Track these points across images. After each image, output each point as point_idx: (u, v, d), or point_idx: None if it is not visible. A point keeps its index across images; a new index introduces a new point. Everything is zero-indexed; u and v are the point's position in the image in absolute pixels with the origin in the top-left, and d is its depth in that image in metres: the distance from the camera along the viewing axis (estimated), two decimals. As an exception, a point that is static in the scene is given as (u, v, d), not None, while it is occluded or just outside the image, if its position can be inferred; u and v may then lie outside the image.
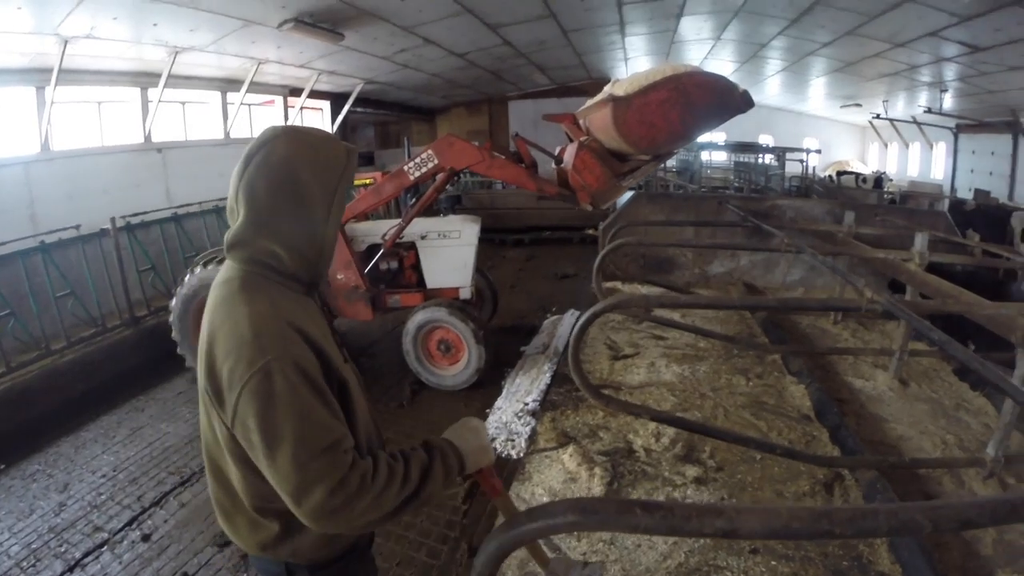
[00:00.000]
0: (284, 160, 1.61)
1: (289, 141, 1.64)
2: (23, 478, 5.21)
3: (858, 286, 4.20)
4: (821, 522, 1.33)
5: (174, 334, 6.65)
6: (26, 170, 9.78)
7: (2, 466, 5.40)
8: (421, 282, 6.88)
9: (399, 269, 6.98)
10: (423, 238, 6.70)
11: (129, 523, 4.55)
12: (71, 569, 4.05)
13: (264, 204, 1.61)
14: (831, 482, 4.09)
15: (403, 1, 10.70)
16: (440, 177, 6.11)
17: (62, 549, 4.27)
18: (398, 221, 6.47)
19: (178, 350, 6.72)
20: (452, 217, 7.16)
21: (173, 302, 6.62)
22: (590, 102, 5.40)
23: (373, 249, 6.73)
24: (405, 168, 5.98)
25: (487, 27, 13.18)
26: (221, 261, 6.06)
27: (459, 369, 6.39)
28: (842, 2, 10.93)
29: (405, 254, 6.89)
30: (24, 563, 4.14)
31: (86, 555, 4.19)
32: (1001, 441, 3.77)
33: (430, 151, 5.86)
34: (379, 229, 6.64)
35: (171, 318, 6.65)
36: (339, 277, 6.57)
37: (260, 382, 1.44)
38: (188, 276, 6.45)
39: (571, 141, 5.71)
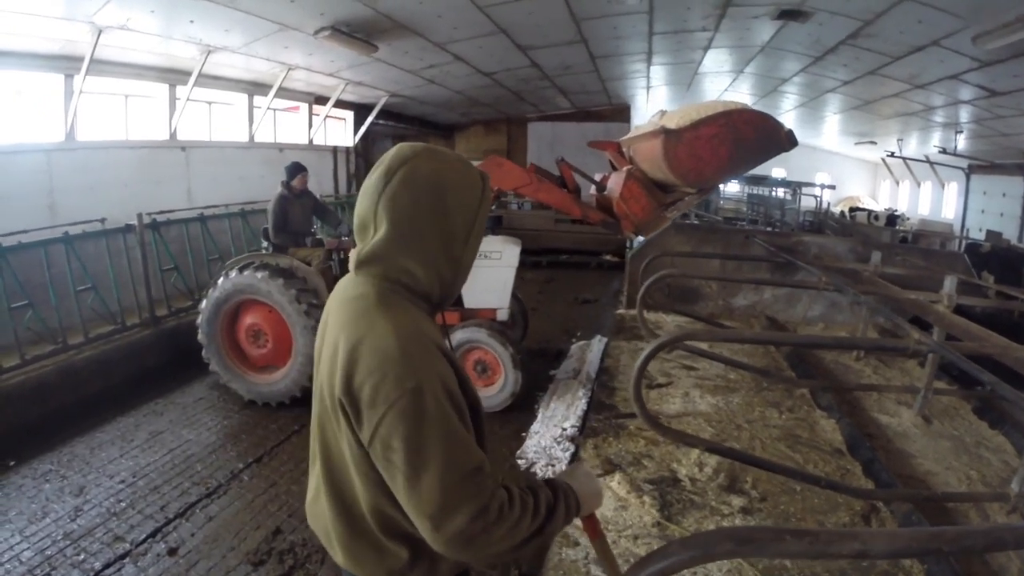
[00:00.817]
0: (429, 178, 1.57)
1: (433, 160, 1.61)
2: (35, 478, 5.03)
3: (903, 327, 4.37)
4: (933, 542, 1.52)
5: (200, 336, 6.61)
6: (48, 158, 9.71)
7: (12, 463, 5.22)
8: (458, 301, 6.79)
9: None
10: None
11: (152, 534, 4.36)
12: None
13: (408, 221, 1.57)
14: (868, 514, 4.24)
15: (440, 17, 10.82)
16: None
17: (80, 558, 4.07)
18: None
19: (203, 353, 6.67)
20: (493, 238, 7.07)
21: (203, 304, 6.62)
22: (637, 132, 5.46)
23: None
24: None
25: (518, 48, 13.33)
26: (261, 267, 6.17)
27: (494, 391, 6.39)
28: (867, 43, 11.12)
29: None
30: (38, 570, 3.95)
31: (106, 566, 3.99)
32: (1024, 476, 3.94)
33: None
34: None
35: (199, 320, 6.63)
36: None
37: (410, 402, 1.40)
38: (222, 279, 6.46)
39: (614, 169, 5.78)
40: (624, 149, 5.64)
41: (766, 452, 5.02)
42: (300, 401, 6.33)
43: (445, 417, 1.42)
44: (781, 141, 4.53)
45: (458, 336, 6.28)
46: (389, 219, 1.56)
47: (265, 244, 7.22)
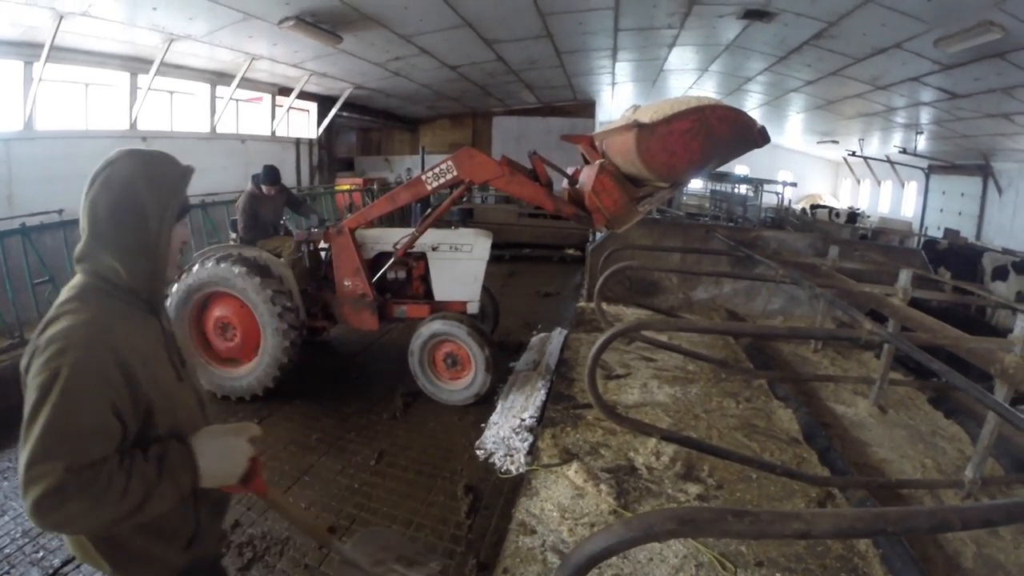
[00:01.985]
0: (125, 179, 1.71)
1: (131, 160, 1.75)
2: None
3: (855, 317, 4.43)
4: (878, 522, 1.53)
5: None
6: (7, 148, 9.65)
7: None
8: (428, 294, 6.84)
9: (407, 279, 6.87)
10: (434, 249, 6.60)
11: None
12: None
13: (104, 221, 1.70)
14: (824, 500, 4.28)
15: (406, 9, 10.82)
16: (457, 189, 6.12)
17: (39, 555, 3.98)
18: (410, 230, 6.46)
19: None
20: (464, 230, 7.03)
21: (173, 289, 6.35)
22: (610, 126, 5.45)
23: (380, 257, 6.68)
24: (423, 177, 5.97)
25: (484, 42, 13.36)
26: (237, 261, 6.05)
27: (461, 387, 6.34)
28: (831, 44, 11.32)
29: (414, 264, 6.79)
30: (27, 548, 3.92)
31: (65, 563, 3.87)
32: (979, 464, 4.04)
33: (449, 162, 5.86)
34: (388, 237, 6.60)
35: (167, 304, 6.35)
36: (346, 284, 6.54)
37: (47, 380, 1.54)
38: (196, 267, 6.27)
39: (586, 163, 5.78)
40: (597, 143, 5.63)
41: (723, 441, 5.05)
42: (259, 396, 6.29)
43: (64, 403, 1.52)
44: (754, 137, 4.55)
45: (436, 327, 6.19)
46: (89, 220, 1.71)
47: (233, 235, 7.09)
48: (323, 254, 7.06)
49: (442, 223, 6.82)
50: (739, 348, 7.65)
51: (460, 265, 6.59)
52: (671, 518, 1.46)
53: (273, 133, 16.97)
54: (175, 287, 6.34)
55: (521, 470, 4.82)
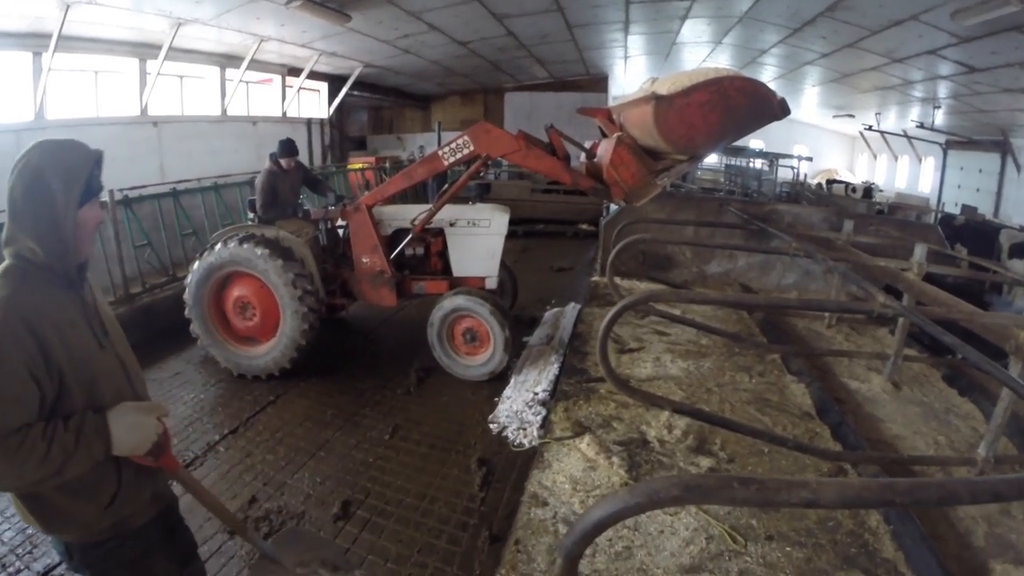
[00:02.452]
0: (36, 167, 1.88)
1: (40, 151, 1.92)
2: None
3: (869, 291, 4.41)
4: (885, 493, 1.54)
5: (186, 297, 6.47)
6: (18, 138, 9.59)
7: None
8: (446, 270, 6.85)
9: (425, 255, 6.89)
10: (452, 225, 6.61)
11: None
12: (69, 555, 3.81)
13: (20, 206, 1.87)
14: (835, 475, 4.30)
15: (414, -15, 10.77)
16: (474, 164, 6.09)
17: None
18: (427, 206, 6.45)
19: (186, 312, 6.53)
20: (482, 206, 7.04)
21: (194, 267, 6.39)
22: (627, 98, 5.39)
23: (398, 234, 6.67)
24: (439, 153, 5.95)
25: (493, 17, 13.23)
26: (259, 242, 6.05)
27: (477, 363, 6.36)
28: (845, 15, 11.14)
29: (432, 240, 6.80)
30: (20, 549, 3.87)
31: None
32: (992, 442, 4.01)
33: (466, 137, 5.83)
34: (405, 213, 6.60)
35: (187, 281, 6.46)
36: (364, 261, 6.54)
37: None
38: (217, 247, 6.28)
39: (604, 136, 5.73)
40: (614, 116, 5.59)
41: (735, 415, 5.07)
42: (275, 376, 6.37)
43: None
44: (773, 109, 4.51)
45: (459, 301, 6.16)
46: (8, 206, 1.87)
47: (251, 216, 7.07)
48: (340, 232, 7.05)
49: (459, 199, 6.78)
50: (753, 323, 7.65)
51: (478, 240, 6.58)
52: (676, 484, 1.48)
53: (284, 114, 16.96)
54: (195, 265, 6.37)
55: (534, 443, 4.84)
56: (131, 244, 8.14)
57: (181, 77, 13.77)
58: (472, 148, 5.84)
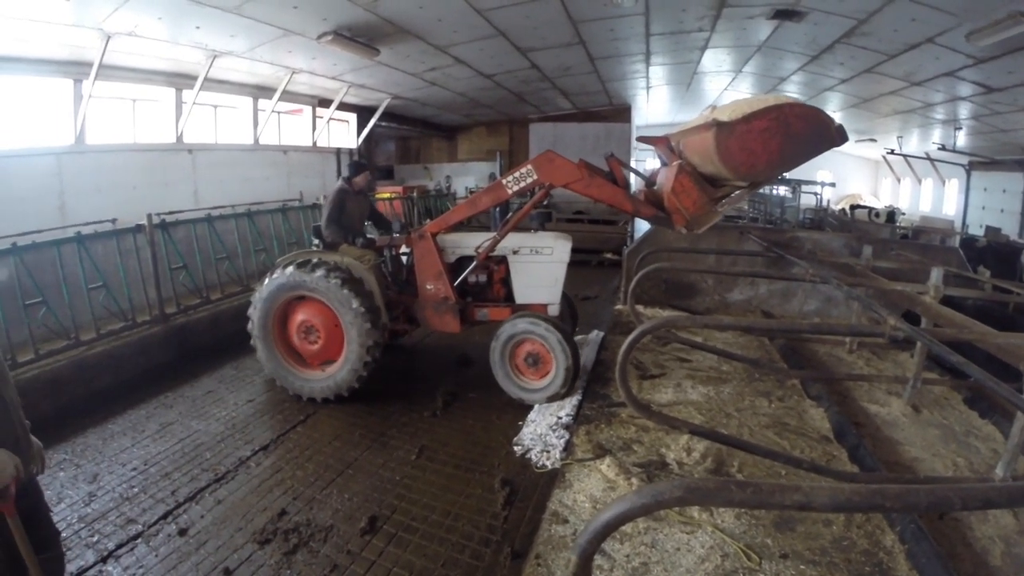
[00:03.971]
0: None
1: None
2: (49, 466, 5.05)
3: (882, 314, 4.49)
4: (875, 498, 1.67)
5: (251, 327, 6.64)
6: (59, 161, 10.05)
7: None
8: (509, 296, 6.89)
9: (488, 282, 6.94)
10: (515, 253, 6.65)
11: (163, 517, 4.49)
12: (104, 560, 3.99)
13: None
14: (851, 498, 4.37)
15: (440, 21, 11.04)
16: (538, 193, 6.21)
17: (94, 539, 4.22)
18: (491, 234, 6.55)
19: (251, 342, 6.71)
20: (544, 233, 7.13)
21: (262, 287, 6.55)
22: (686, 126, 5.46)
23: (462, 261, 6.76)
24: (503, 181, 6.07)
25: (517, 50, 13.53)
26: (323, 264, 6.27)
27: (537, 386, 6.35)
28: (862, 41, 11.26)
29: (495, 268, 6.84)
30: None
31: (119, 546, 4.13)
32: (1009, 463, 4.07)
33: (529, 166, 5.95)
34: (468, 241, 6.72)
35: (251, 312, 6.64)
36: (428, 288, 6.67)
37: None
38: (281, 271, 6.42)
39: (663, 164, 5.83)
40: (673, 143, 5.64)
41: (753, 439, 5.16)
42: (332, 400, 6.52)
43: None
44: (832, 135, 4.57)
45: (523, 326, 6.22)
46: None
47: (316, 242, 7.24)
48: (404, 259, 7.17)
49: (521, 227, 6.85)
50: (774, 349, 7.72)
51: (541, 268, 6.64)
52: (679, 487, 1.63)
53: (314, 144, 17.34)
54: (264, 284, 6.54)
55: (556, 465, 4.95)
56: (167, 266, 8.37)
57: (215, 107, 14.16)
58: (536, 177, 5.95)
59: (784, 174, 23.63)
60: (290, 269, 6.38)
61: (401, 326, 7.08)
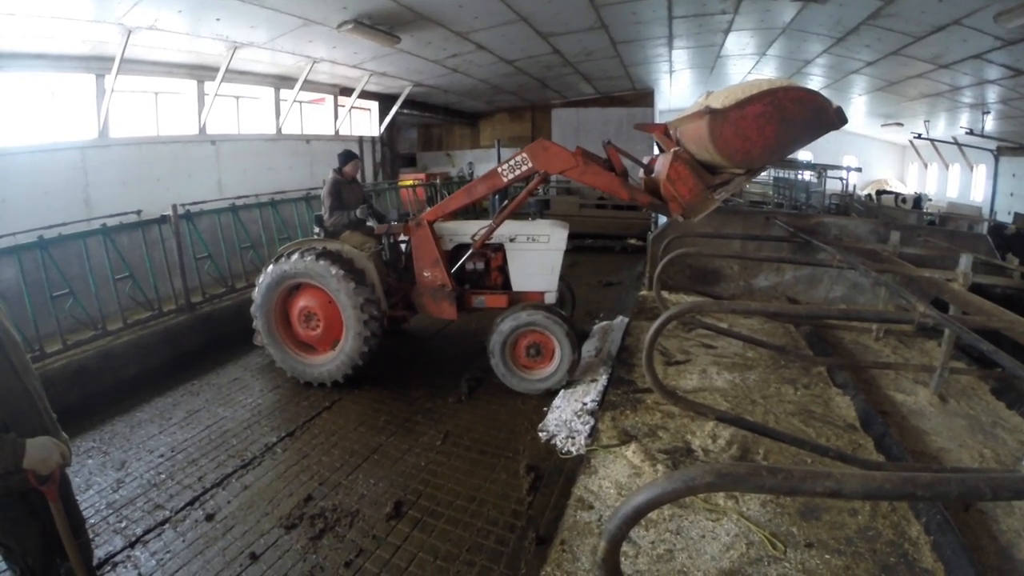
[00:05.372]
0: None
1: None
2: (77, 454, 5.21)
3: (910, 301, 4.43)
4: (907, 486, 1.66)
5: (254, 310, 6.72)
6: (83, 155, 10.16)
7: None
8: (506, 284, 6.92)
9: (485, 270, 6.96)
10: (512, 240, 6.66)
11: (191, 502, 4.57)
12: (132, 545, 4.07)
13: None
14: (877, 486, 4.34)
15: (461, 7, 10.97)
16: (533, 181, 6.22)
17: (122, 525, 4.31)
18: (487, 222, 6.57)
19: (250, 330, 6.86)
20: (541, 221, 7.15)
21: (265, 273, 6.63)
22: (683, 113, 5.40)
23: (459, 249, 6.81)
24: (499, 170, 6.07)
25: (539, 35, 13.43)
26: (322, 254, 6.32)
27: (537, 377, 6.41)
28: (888, 23, 11.07)
29: (492, 255, 6.86)
30: None
31: (147, 532, 4.21)
32: (1036, 454, 4.01)
33: (524, 154, 5.94)
34: (466, 229, 6.75)
35: (255, 294, 6.70)
36: (426, 275, 6.71)
37: None
38: (286, 258, 6.51)
39: (661, 151, 5.80)
40: (670, 131, 5.63)
41: (779, 426, 5.14)
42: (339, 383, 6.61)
43: None
44: (830, 118, 4.47)
45: (535, 317, 6.23)
46: None
47: (317, 230, 7.29)
48: (403, 246, 7.23)
49: (518, 215, 6.87)
50: (799, 336, 7.67)
51: (538, 256, 6.66)
52: (709, 472, 1.63)
53: (336, 132, 17.38)
54: (267, 271, 6.62)
55: (581, 451, 4.97)
56: (192, 256, 8.48)
57: (237, 98, 14.24)
58: (531, 165, 5.95)
59: (800, 158, 23.55)
60: (298, 256, 6.46)
61: (400, 312, 7.12)
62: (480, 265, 6.93)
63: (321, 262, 6.32)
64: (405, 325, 7.95)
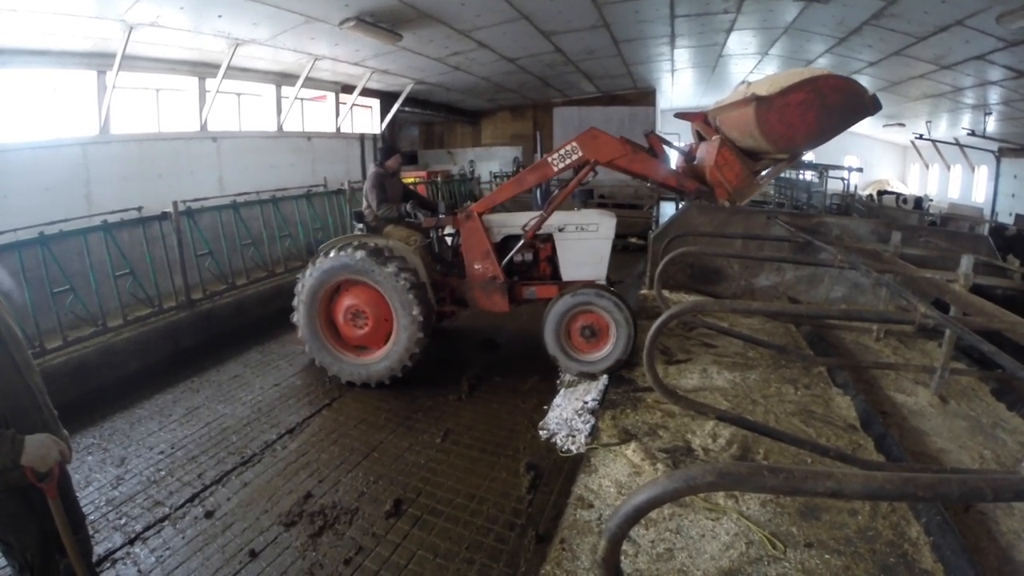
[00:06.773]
0: None
1: None
2: (77, 451, 5.19)
3: (911, 301, 4.44)
4: (908, 486, 1.66)
5: (296, 318, 6.62)
6: (84, 151, 10.20)
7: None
8: (555, 274, 6.90)
9: (534, 261, 6.94)
10: (561, 230, 6.63)
11: (190, 499, 4.57)
12: (131, 541, 4.07)
13: None
14: (877, 487, 4.34)
15: (463, 5, 11.02)
16: (583, 170, 6.18)
17: (121, 521, 4.30)
18: (534, 213, 6.54)
19: (293, 317, 6.66)
20: (589, 211, 7.12)
21: (301, 281, 6.53)
22: (723, 102, 5.55)
23: (508, 240, 6.75)
24: (549, 159, 6.09)
25: (541, 34, 13.46)
26: (371, 248, 6.20)
27: (596, 358, 6.44)
28: (891, 23, 11.08)
29: (541, 246, 6.84)
30: None
31: (147, 528, 4.21)
32: (1036, 455, 4.00)
33: (574, 143, 5.96)
34: (514, 220, 6.72)
35: (295, 301, 6.59)
36: (476, 267, 6.66)
37: None
38: (329, 255, 6.36)
39: (701, 139, 5.89)
40: (710, 119, 5.77)
41: (779, 426, 5.12)
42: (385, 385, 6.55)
43: None
44: (866, 105, 4.72)
45: (588, 296, 6.31)
46: None
47: (360, 226, 7.22)
48: (449, 240, 7.20)
49: (564, 205, 6.83)
50: (800, 336, 7.67)
51: (587, 245, 6.66)
52: (711, 471, 1.63)
53: (338, 130, 17.40)
54: (308, 272, 6.49)
55: (581, 449, 4.96)
56: (193, 253, 8.47)
57: (239, 95, 14.26)
58: (580, 154, 5.98)
59: (821, 145, 23.46)
60: (336, 252, 6.34)
61: (448, 307, 7.08)
62: (528, 256, 6.91)
63: (371, 258, 6.20)
64: (447, 322, 7.89)
